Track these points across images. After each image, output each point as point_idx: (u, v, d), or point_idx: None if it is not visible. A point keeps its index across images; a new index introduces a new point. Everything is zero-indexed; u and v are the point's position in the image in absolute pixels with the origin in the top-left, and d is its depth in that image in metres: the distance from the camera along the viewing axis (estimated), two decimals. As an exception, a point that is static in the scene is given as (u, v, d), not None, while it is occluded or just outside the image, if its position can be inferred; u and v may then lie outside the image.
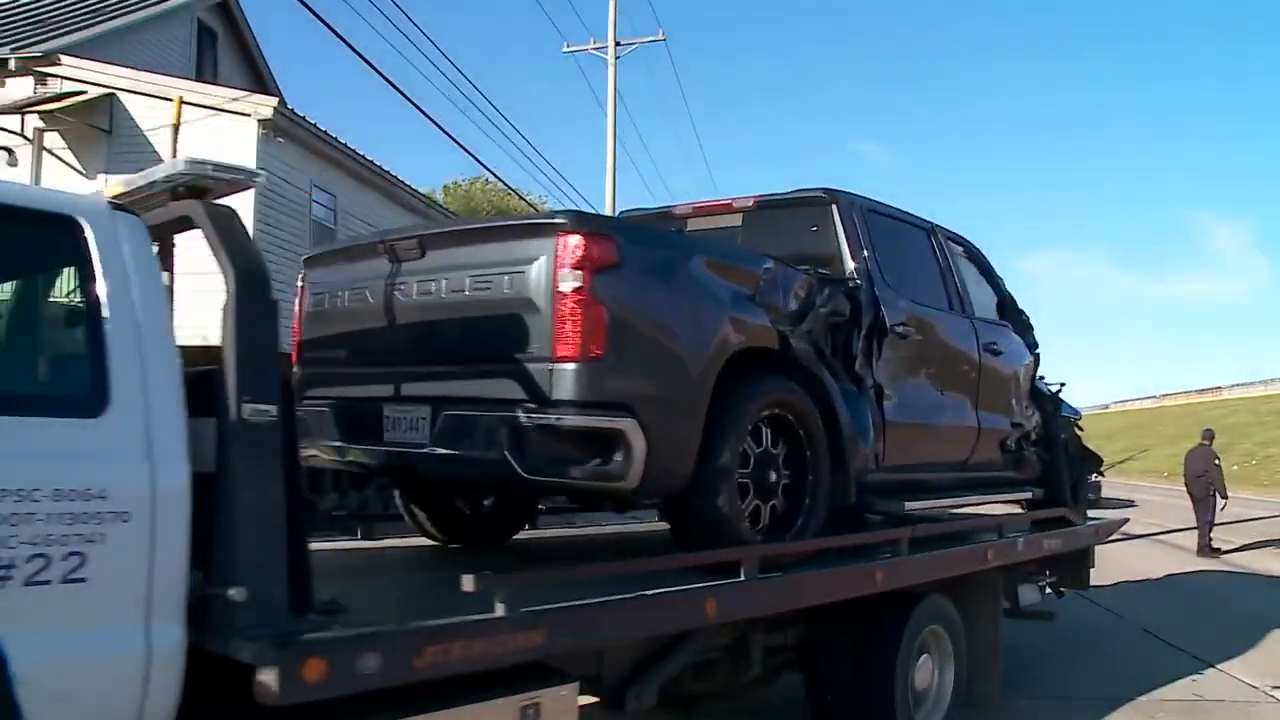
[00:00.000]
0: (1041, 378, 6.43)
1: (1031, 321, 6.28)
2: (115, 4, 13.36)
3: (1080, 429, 6.63)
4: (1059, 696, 5.69)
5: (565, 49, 19.14)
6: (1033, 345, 6.01)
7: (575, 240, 3.05)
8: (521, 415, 3.02)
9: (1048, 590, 6.20)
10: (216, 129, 11.98)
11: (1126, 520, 7.84)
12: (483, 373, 3.20)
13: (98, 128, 12.10)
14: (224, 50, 14.56)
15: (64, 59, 12.12)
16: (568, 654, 2.86)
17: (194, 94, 12.41)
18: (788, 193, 4.69)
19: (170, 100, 12.13)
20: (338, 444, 3.65)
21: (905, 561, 4.13)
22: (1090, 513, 6.58)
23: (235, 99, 12.49)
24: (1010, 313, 5.85)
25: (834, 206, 4.51)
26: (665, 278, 3.28)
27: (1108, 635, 7.38)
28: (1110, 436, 26.57)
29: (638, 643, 3.40)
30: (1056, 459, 5.95)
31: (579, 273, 3.03)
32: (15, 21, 12.67)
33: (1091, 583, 6.68)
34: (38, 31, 12.37)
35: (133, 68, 12.56)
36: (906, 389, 4.52)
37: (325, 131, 13.38)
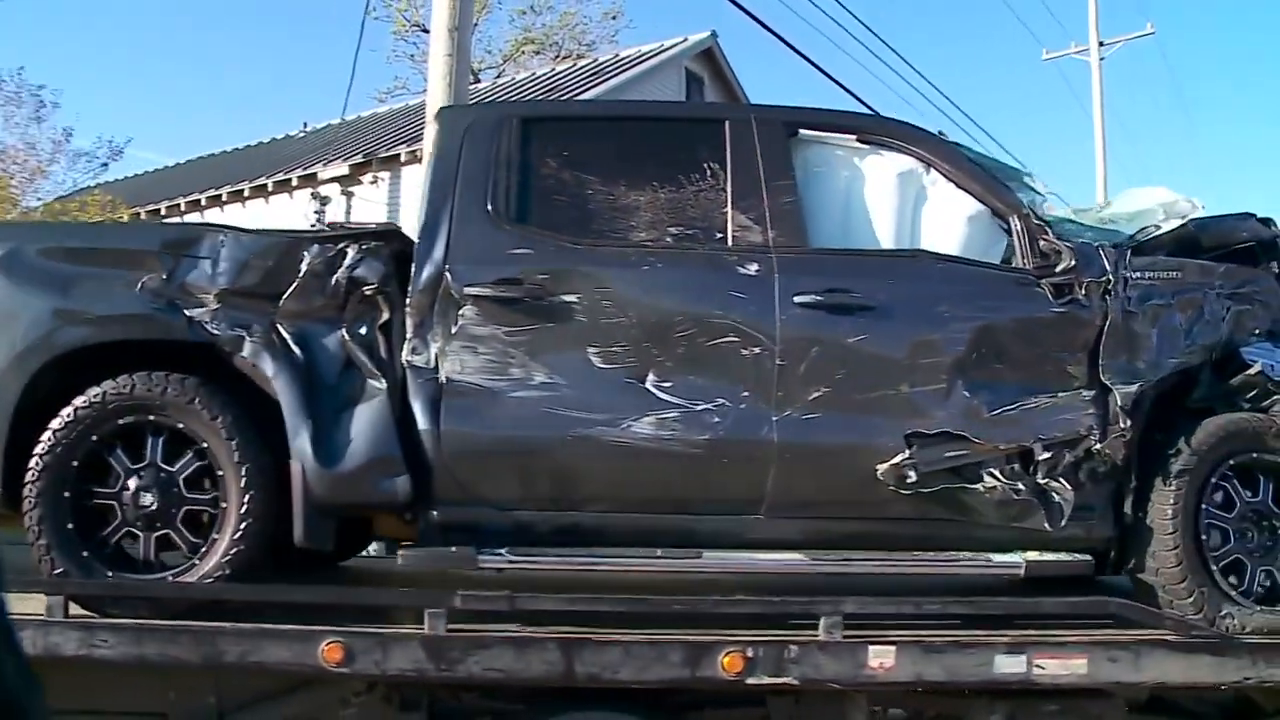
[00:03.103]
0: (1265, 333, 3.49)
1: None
2: (614, 65, 15.63)
3: None
4: None
5: (1045, 56, 18.58)
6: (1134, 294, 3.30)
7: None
8: None
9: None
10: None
11: None
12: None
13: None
14: (710, 93, 15.79)
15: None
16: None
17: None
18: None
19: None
20: None
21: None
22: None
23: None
24: (1020, 228, 3.32)
25: (436, 128, 3.40)
26: None
27: None
28: None
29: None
30: (1135, 501, 3.16)
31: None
32: (535, 92, 15.81)
33: None
34: (553, 98, 15.28)
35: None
36: (520, 381, 3.12)
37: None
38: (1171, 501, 3.14)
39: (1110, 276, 3.25)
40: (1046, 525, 3.13)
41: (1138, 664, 3.00)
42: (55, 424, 3.04)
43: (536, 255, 3.17)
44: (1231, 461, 3.23)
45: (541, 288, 3.13)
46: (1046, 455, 3.14)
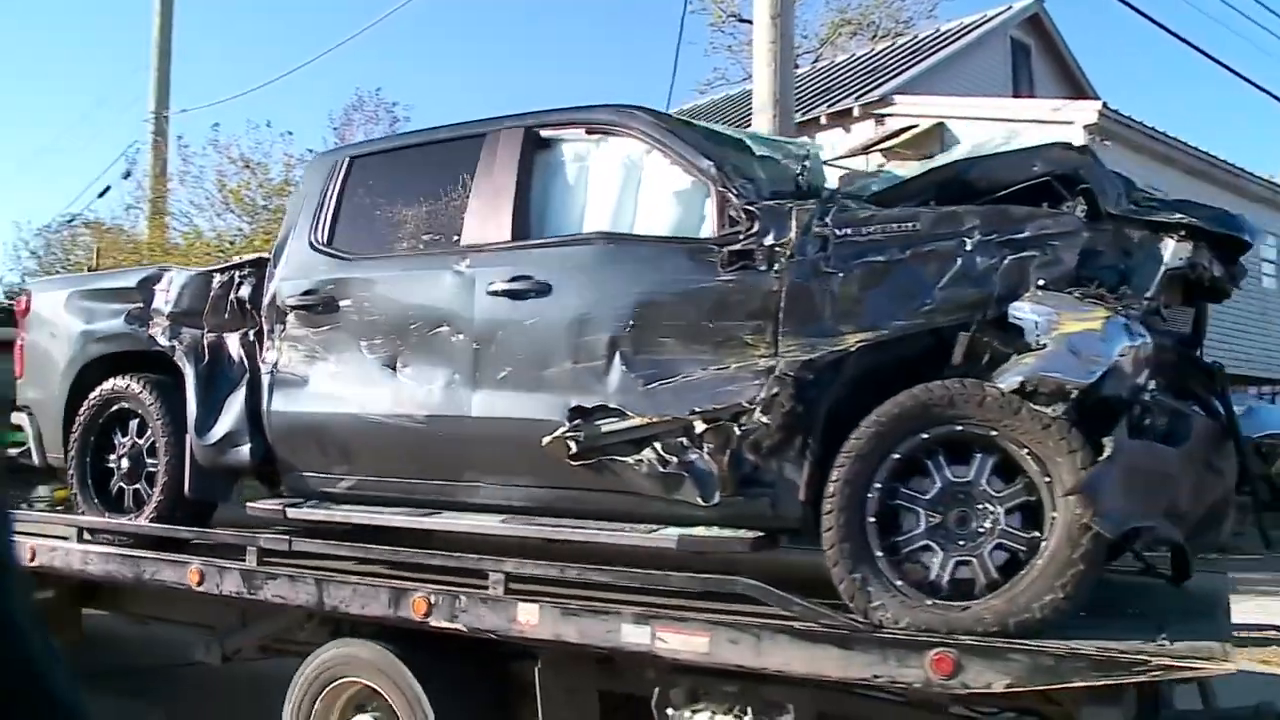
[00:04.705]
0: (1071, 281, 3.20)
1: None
2: (934, 40, 14.95)
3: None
4: None
5: None
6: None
7: (21, 298, 5.09)
8: None
9: None
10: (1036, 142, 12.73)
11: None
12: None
13: (931, 156, 14.06)
14: (1038, 62, 14.40)
15: (896, 98, 14.53)
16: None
17: (1013, 110, 13.46)
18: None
19: (991, 120, 13.42)
20: None
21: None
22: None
23: (1056, 109, 13.04)
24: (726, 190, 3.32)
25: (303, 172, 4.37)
26: (51, 314, 4.82)
27: None
28: None
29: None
30: (811, 478, 3.04)
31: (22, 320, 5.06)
32: (855, 73, 15.67)
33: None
34: (873, 78, 15.12)
35: (955, 95, 14.10)
36: (325, 373, 3.97)
37: (1153, 128, 13.16)
38: (834, 479, 2.95)
39: (791, 238, 3.13)
40: (699, 499, 3.14)
41: (759, 648, 2.89)
42: (80, 410, 4.58)
43: (327, 270, 3.99)
44: (925, 435, 2.90)
45: (330, 296, 3.95)
46: (706, 428, 3.15)
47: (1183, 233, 3.02)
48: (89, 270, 9.78)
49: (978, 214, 3.05)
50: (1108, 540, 2.74)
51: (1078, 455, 2.71)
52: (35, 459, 4.86)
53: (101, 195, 15.67)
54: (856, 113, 14.76)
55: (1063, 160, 3.14)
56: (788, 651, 2.87)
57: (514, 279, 3.51)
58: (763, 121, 8.15)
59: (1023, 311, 2.89)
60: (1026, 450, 2.79)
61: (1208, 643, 2.65)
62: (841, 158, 14.54)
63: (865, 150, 14.51)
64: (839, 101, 14.91)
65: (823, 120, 14.92)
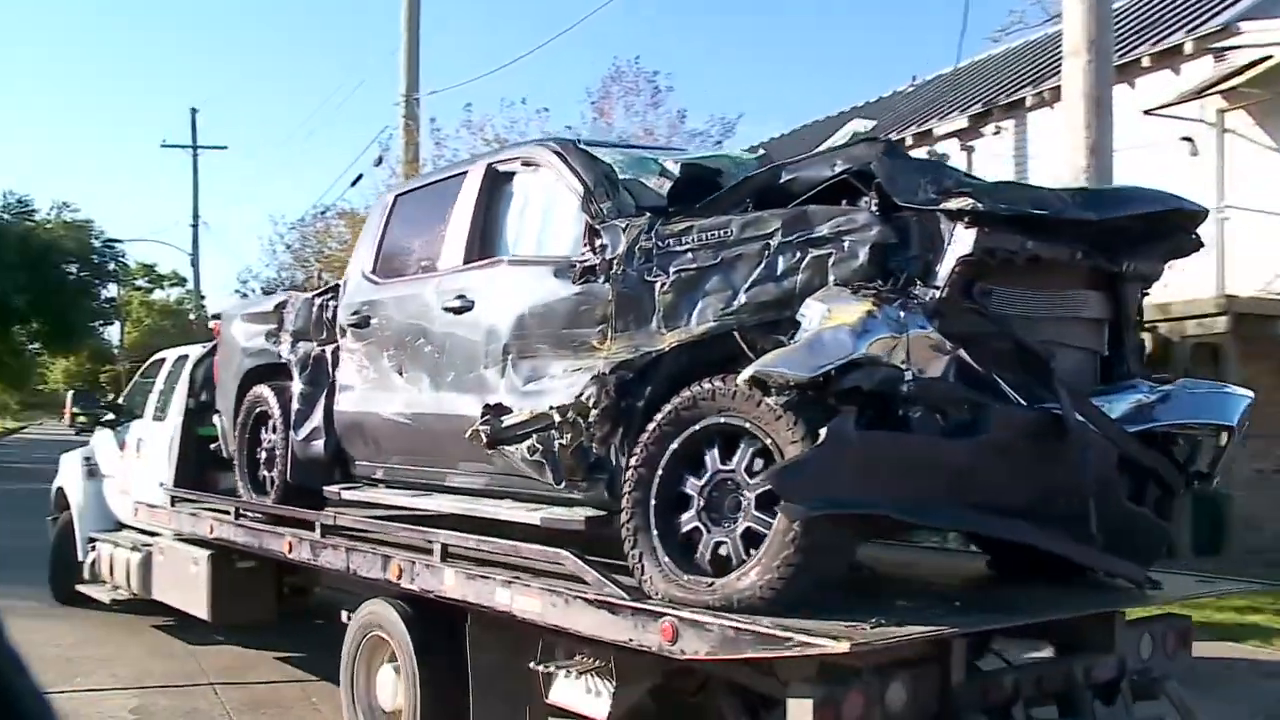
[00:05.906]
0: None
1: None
2: None
3: None
4: None
5: None
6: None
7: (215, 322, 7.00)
8: None
9: None
10: None
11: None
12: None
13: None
14: None
15: (1241, 26, 13.06)
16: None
17: None
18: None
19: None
20: None
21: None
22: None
23: None
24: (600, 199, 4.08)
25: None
26: (229, 335, 6.64)
27: None
28: None
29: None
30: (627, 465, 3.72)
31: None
32: (1185, 1, 14.07)
33: None
34: (1209, 5, 13.64)
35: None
36: (365, 379, 5.29)
37: None
38: (630, 464, 3.62)
39: (620, 251, 3.83)
40: (552, 482, 3.94)
41: (566, 612, 3.68)
42: (239, 412, 6.33)
43: (364, 294, 5.29)
44: (696, 427, 3.47)
45: (366, 315, 5.25)
46: (560, 420, 3.95)
47: (968, 219, 3.26)
48: (310, 285, 11.99)
49: (780, 216, 3.54)
50: (831, 525, 3.16)
51: (799, 445, 3.16)
52: (224, 452, 6.72)
53: (354, 184, 16.61)
54: (1189, 49, 13.49)
55: (858, 156, 3.50)
56: (581, 616, 3.63)
57: (457, 297, 4.54)
58: (1075, 68, 7.91)
59: (807, 308, 3.35)
60: (770, 440, 3.28)
61: (870, 629, 2.99)
62: (1169, 105, 13.43)
63: (1199, 94, 13.28)
64: (1166, 37, 13.72)
65: (1145, 62, 13.82)
